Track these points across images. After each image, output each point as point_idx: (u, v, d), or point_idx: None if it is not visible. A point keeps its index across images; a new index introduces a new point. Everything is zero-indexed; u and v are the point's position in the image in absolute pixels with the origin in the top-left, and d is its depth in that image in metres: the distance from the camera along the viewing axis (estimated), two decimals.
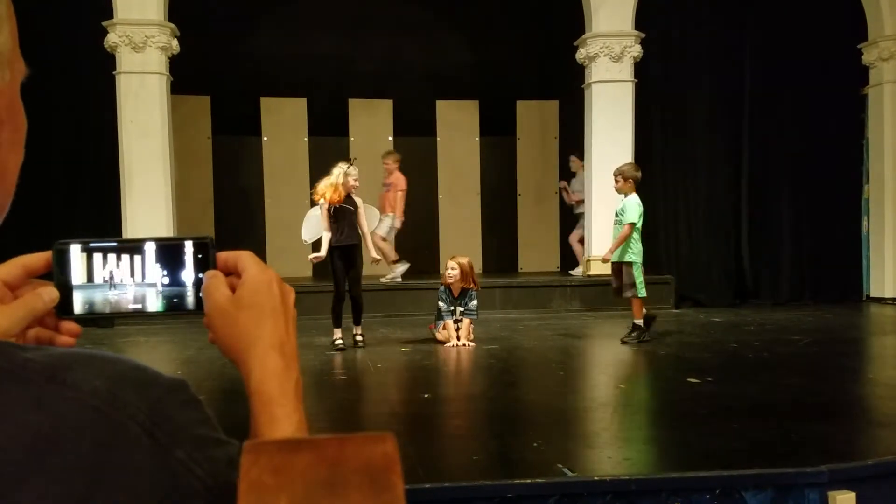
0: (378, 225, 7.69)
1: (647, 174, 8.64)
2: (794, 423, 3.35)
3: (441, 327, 5.96)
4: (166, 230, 7.55)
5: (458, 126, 10.30)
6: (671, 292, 8.38)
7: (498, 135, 10.41)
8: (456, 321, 5.92)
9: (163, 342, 6.40)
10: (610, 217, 6.29)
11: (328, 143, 9.69)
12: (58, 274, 0.69)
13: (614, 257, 5.96)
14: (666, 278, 8.42)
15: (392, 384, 4.83)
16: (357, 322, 5.92)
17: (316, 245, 6.07)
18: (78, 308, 0.70)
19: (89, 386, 0.51)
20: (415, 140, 10.18)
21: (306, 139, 9.89)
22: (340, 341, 5.73)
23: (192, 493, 0.52)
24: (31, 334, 0.67)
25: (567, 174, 9.50)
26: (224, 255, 0.72)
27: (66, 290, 0.69)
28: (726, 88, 8.98)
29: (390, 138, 10.09)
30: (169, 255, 0.71)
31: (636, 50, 8.34)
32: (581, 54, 8.52)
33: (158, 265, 0.71)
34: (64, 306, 0.68)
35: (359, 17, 9.93)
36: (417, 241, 10.07)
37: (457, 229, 10.20)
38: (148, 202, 7.62)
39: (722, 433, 3.17)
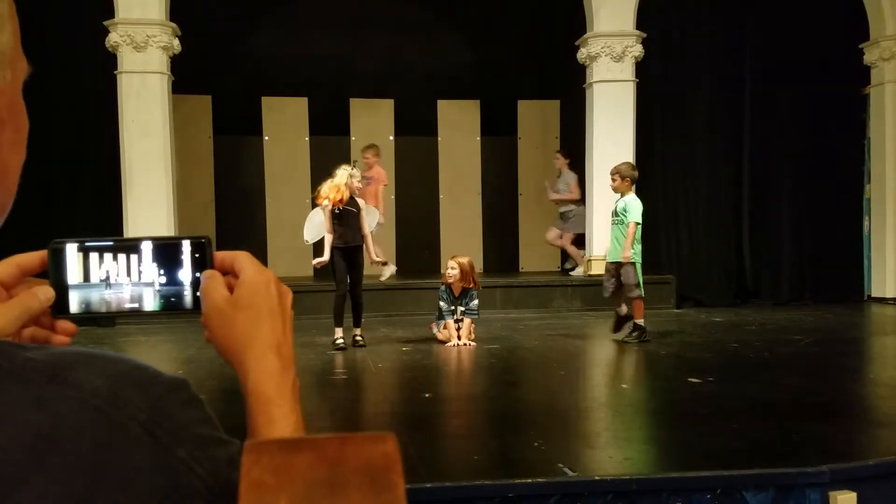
0: None
1: (647, 174, 8.68)
2: (795, 423, 3.35)
3: (442, 327, 5.96)
4: (167, 230, 7.54)
5: (458, 126, 10.29)
6: (672, 292, 8.37)
7: (499, 135, 10.41)
8: (457, 321, 5.93)
9: (163, 341, 6.40)
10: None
11: (329, 142, 9.69)
12: (53, 273, 0.69)
13: (614, 257, 5.95)
14: (667, 278, 8.42)
15: (393, 384, 4.83)
16: (357, 324, 5.93)
17: (317, 246, 6.08)
18: (74, 307, 0.70)
19: (90, 385, 0.51)
20: (416, 140, 10.18)
21: (307, 139, 9.89)
22: (341, 341, 5.73)
23: (192, 493, 0.52)
24: (26, 333, 0.67)
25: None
26: (221, 255, 0.72)
27: (61, 289, 0.69)
28: (726, 88, 8.97)
29: (391, 138, 10.09)
30: (166, 254, 0.71)
31: (637, 50, 8.34)
32: (582, 54, 8.52)
33: (155, 264, 0.71)
34: (59, 305, 0.68)
35: (359, 17, 9.93)
36: (418, 240, 10.09)
37: (458, 229, 10.20)
38: (149, 202, 7.62)
39: (723, 433, 3.16)
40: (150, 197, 7.62)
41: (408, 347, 5.88)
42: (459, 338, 5.84)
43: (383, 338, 6.36)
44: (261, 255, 9.23)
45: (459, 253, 6.36)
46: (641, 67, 8.47)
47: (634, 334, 5.87)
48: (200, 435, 0.55)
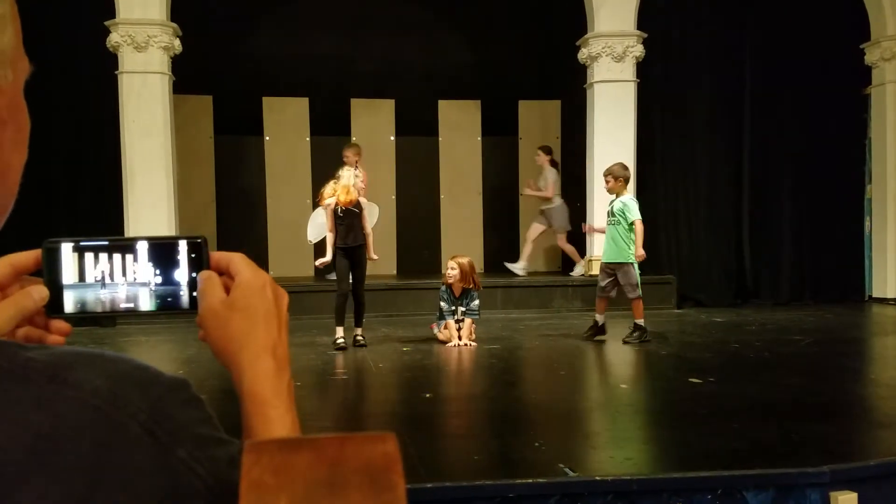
0: None
1: (647, 174, 8.69)
2: (796, 423, 3.35)
3: (443, 327, 5.96)
4: (168, 230, 7.55)
5: (459, 126, 10.29)
6: (672, 292, 8.37)
7: (499, 135, 10.40)
8: (457, 321, 5.93)
9: (163, 341, 6.40)
10: None
11: (330, 142, 9.68)
12: (47, 272, 0.69)
13: (611, 258, 5.96)
14: (667, 278, 8.42)
15: (393, 384, 4.82)
16: (358, 323, 5.93)
17: (319, 247, 6.08)
18: (68, 307, 0.69)
19: (91, 385, 0.51)
20: (416, 140, 10.17)
21: (308, 139, 9.89)
22: (342, 340, 5.73)
23: (192, 493, 0.52)
24: (20, 333, 0.67)
25: (568, 174, 9.49)
26: (216, 256, 0.71)
27: (56, 288, 0.68)
28: (726, 88, 8.96)
29: (392, 138, 10.10)
30: (162, 254, 0.71)
31: (638, 50, 8.34)
32: (583, 54, 8.52)
33: (151, 264, 0.71)
34: (54, 305, 0.68)
35: (359, 17, 9.93)
36: (419, 240, 10.09)
37: (458, 229, 10.19)
38: (150, 202, 7.62)
39: (723, 433, 3.17)
40: (150, 197, 7.62)
41: (408, 347, 5.88)
42: (460, 338, 5.84)
43: (384, 338, 6.36)
44: (261, 255, 9.23)
45: (460, 253, 6.36)
46: (641, 67, 8.47)
47: (635, 334, 5.87)
48: (200, 435, 0.55)
